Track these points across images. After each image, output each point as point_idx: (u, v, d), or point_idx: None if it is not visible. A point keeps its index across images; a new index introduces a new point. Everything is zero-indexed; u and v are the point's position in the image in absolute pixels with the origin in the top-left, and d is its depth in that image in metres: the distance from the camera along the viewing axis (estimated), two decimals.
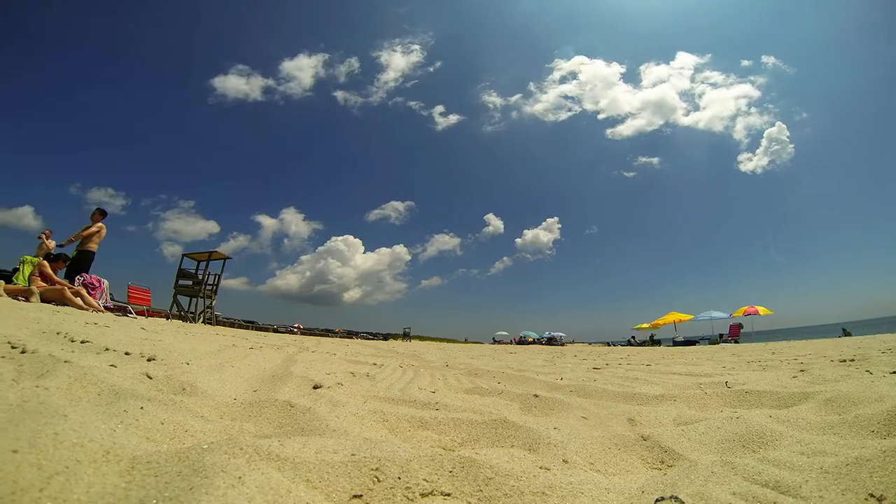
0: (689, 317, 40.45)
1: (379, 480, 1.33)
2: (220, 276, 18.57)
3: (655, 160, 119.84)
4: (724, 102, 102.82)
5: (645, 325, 45.85)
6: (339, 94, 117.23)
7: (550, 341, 50.84)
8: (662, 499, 1.28)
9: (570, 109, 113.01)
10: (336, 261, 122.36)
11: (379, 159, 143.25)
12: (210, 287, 18.17)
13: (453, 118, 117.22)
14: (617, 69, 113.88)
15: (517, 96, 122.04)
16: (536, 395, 3.17)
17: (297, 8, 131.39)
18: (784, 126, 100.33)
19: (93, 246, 12.85)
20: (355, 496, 1.26)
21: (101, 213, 13.16)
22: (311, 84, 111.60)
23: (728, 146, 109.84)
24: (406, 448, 1.56)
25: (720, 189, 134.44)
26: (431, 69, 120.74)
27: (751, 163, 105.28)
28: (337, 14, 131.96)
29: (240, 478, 1.12)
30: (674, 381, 4.31)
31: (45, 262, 10.50)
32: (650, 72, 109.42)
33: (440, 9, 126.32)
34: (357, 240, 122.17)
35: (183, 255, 18.52)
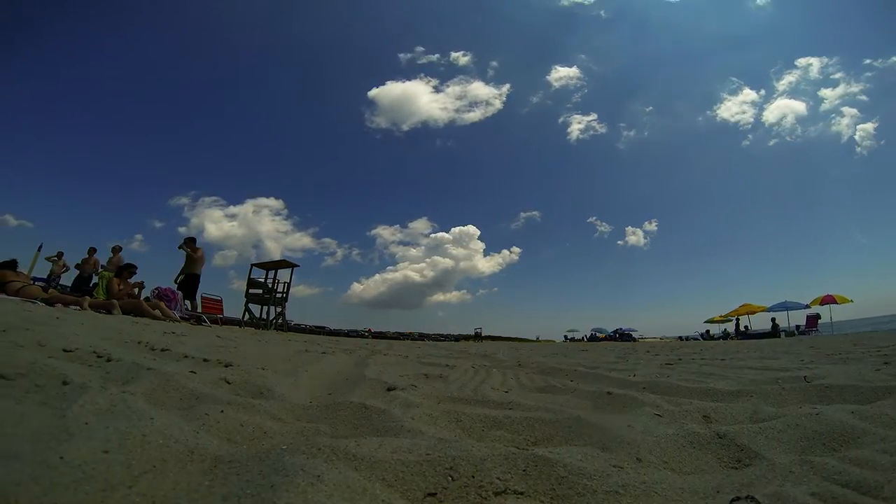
0: (763, 307, 39.10)
1: (453, 479, 1.34)
2: (289, 283, 18.93)
3: (772, 166, 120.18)
4: (842, 103, 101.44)
5: (717, 318, 44.67)
6: (497, 115, 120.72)
7: (622, 337, 50.08)
8: (738, 498, 1.23)
9: (709, 120, 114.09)
10: (449, 260, 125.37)
11: (520, 170, 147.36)
12: (280, 294, 18.55)
13: (600, 129, 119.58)
14: (757, 79, 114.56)
15: (673, 110, 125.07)
16: (609, 393, 3.12)
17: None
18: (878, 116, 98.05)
19: (197, 269, 14.53)
20: (430, 494, 1.28)
21: (193, 240, 15.24)
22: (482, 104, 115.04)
23: (833, 143, 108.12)
24: (480, 447, 1.56)
25: (819, 186, 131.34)
26: (597, 86, 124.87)
27: (850, 157, 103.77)
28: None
29: (319, 476, 1.15)
30: (749, 376, 4.18)
31: (115, 279, 11.08)
32: (783, 78, 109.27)
33: (629, 37, 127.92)
34: (480, 244, 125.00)
35: (252, 265, 18.98)
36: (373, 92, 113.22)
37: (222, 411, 1.88)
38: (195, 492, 1.11)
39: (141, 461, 1.20)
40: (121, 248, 16.43)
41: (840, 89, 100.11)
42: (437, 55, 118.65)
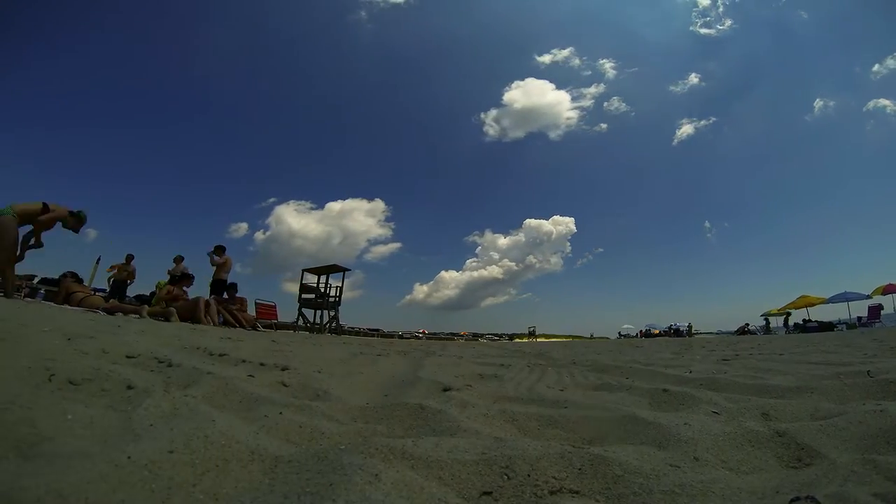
0: (822, 299, 37.89)
1: (508, 478, 1.34)
2: (341, 287, 19.14)
3: (844, 160, 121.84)
4: None
5: (774, 311, 43.47)
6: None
7: (677, 332, 49.27)
8: (798, 499, 1.19)
9: (803, 122, 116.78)
10: (533, 258, 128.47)
11: (629, 173, 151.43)
12: (333, 298, 18.76)
13: (707, 133, 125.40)
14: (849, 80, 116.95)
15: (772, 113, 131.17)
16: (665, 390, 3.07)
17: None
18: None
19: (224, 275, 15.51)
20: (485, 493, 1.28)
21: (222, 249, 16.07)
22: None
23: None
24: (535, 446, 1.56)
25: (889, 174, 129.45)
26: (713, 94, 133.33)
27: None
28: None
29: (376, 475, 1.17)
30: (810, 372, 4.06)
31: (170, 287, 11.53)
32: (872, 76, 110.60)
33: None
34: (568, 245, 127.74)
35: (303, 271, 19.24)
36: (506, 96, 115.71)
37: (281, 413, 1.93)
38: (257, 490, 1.14)
39: (204, 461, 1.25)
40: (182, 258, 17.01)
41: None
42: (584, 57, 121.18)
